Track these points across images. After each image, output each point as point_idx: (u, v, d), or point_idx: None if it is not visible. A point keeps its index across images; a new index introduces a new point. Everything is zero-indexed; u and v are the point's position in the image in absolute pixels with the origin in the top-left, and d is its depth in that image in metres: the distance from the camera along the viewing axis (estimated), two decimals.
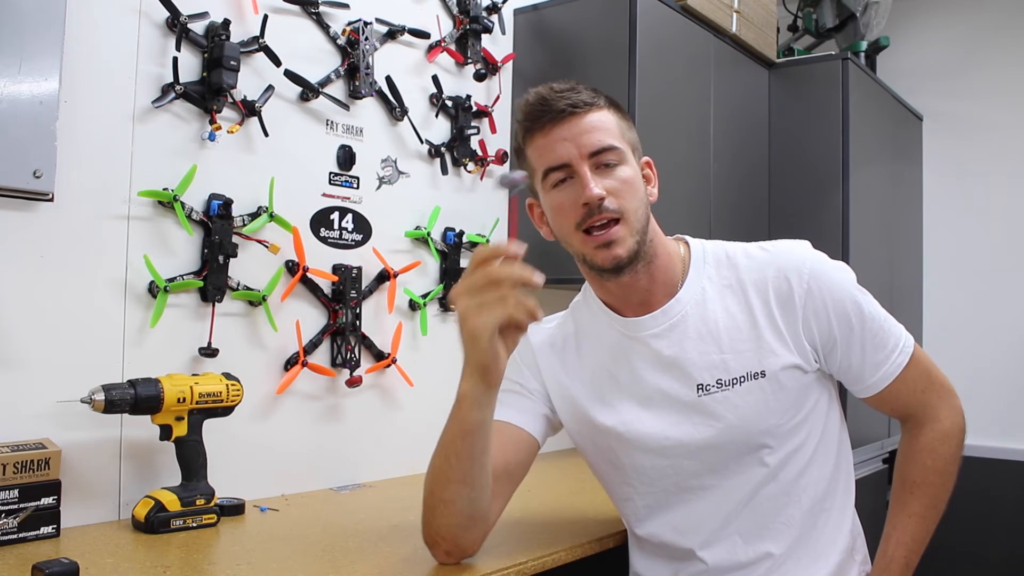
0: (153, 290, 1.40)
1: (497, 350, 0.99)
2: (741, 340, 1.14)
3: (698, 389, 1.15)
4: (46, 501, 1.19)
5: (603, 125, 1.11)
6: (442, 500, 1.08)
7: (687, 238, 1.25)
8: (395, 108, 1.84)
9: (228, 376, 1.39)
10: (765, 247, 1.20)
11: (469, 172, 2.04)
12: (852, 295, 1.16)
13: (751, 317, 1.15)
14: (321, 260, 1.68)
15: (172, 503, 1.28)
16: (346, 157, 1.75)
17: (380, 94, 1.81)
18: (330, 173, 1.72)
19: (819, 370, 1.18)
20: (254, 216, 1.55)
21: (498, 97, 2.11)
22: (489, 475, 1.09)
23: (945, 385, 1.22)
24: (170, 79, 1.42)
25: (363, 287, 1.75)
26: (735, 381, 1.14)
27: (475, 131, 2.02)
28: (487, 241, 2.06)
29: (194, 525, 1.30)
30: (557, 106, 1.10)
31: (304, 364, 1.62)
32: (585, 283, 1.27)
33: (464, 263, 2.00)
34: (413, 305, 1.88)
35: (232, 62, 1.46)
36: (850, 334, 1.15)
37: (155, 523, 1.26)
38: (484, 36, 2.05)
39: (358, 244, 1.77)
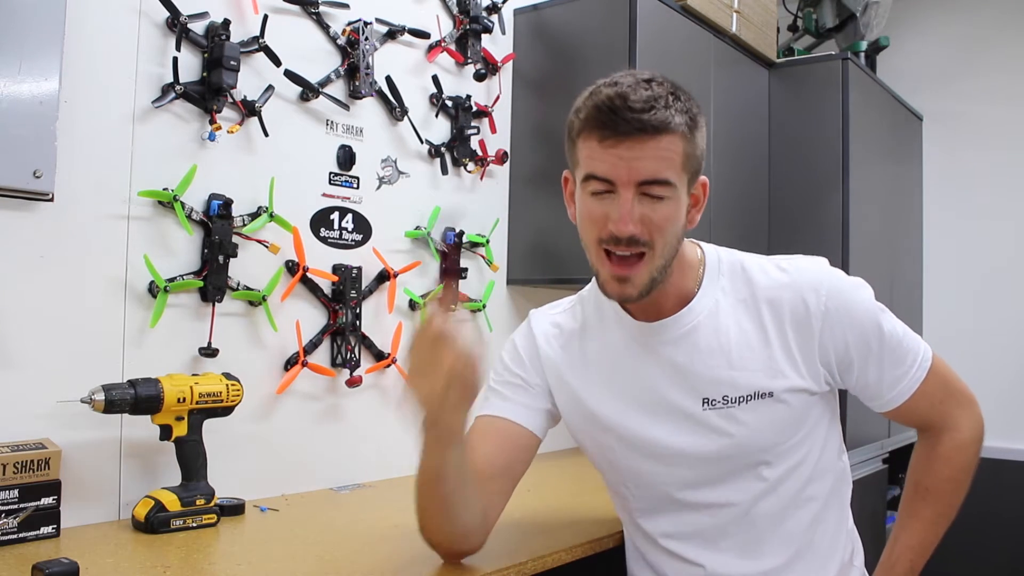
0: (153, 290, 1.40)
1: (462, 419, 1.04)
2: (751, 358, 1.12)
3: (703, 403, 1.13)
4: (46, 501, 1.19)
5: (666, 155, 1.02)
6: (430, 522, 1.10)
7: (702, 244, 1.21)
8: (395, 108, 1.84)
9: (228, 376, 1.39)
10: (783, 266, 1.17)
11: (469, 172, 2.04)
12: (872, 315, 1.13)
13: (764, 336, 1.13)
14: (321, 260, 1.68)
15: (172, 503, 1.28)
16: (346, 157, 1.75)
17: (380, 94, 1.81)
18: (330, 173, 1.72)
19: (828, 390, 1.17)
20: (254, 216, 1.55)
21: (498, 97, 2.11)
22: (473, 497, 1.10)
23: (965, 394, 1.20)
24: (170, 79, 1.42)
25: (363, 287, 1.75)
26: (741, 399, 1.12)
27: (475, 131, 2.02)
28: (487, 241, 2.06)
29: (194, 525, 1.30)
30: (624, 127, 1.00)
31: (304, 364, 1.62)
32: None
33: (464, 263, 2.00)
34: (413, 305, 1.88)
35: (232, 62, 1.46)
36: (868, 354, 1.13)
37: (155, 523, 1.26)
38: (484, 36, 2.05)
39: (358, 244, 1.77)
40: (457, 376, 0.98)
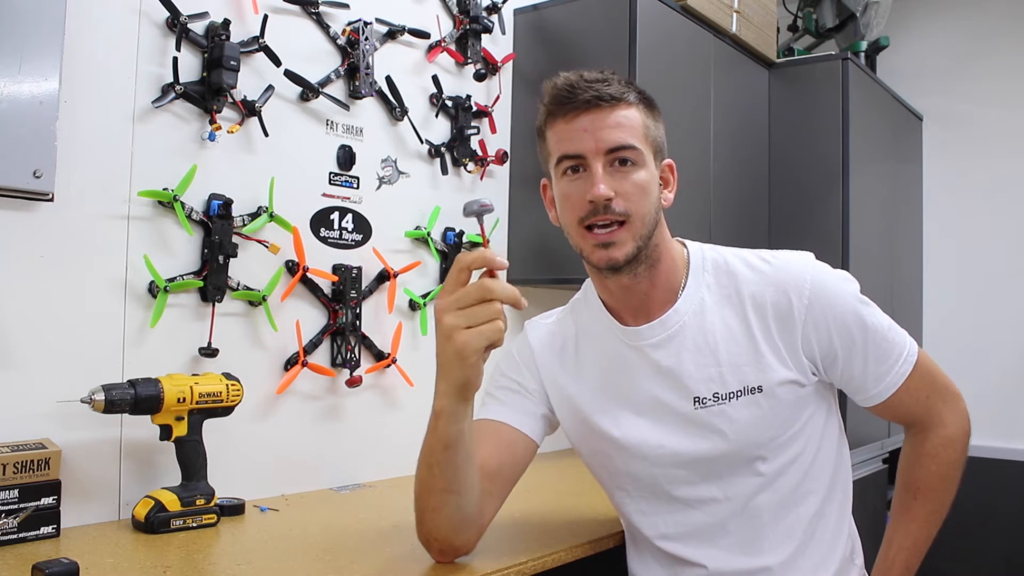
0: (153, 290, 1.40)
1: (481, 368, 0.98)
2: (739, 354, 1.13)
3: (695, 402, 1.14)
4: (46, 501, 1.19)
5: (627, 122, 1.08)
6: (430, 508, 1.08)
7: (686, 242, 1.22)
8: (395, 108, 1.84)
9: (228, 376, 1.39)
10: (767, 259, 1.17)
11: (469, 172, 2.04)
12: (854, 308, 1.13)
13: (748, 330, 1.13)
14: (321, 260, 1.68)
15: (172, 503, 1.28)
16: (346, 157, 1.75)
17: (380, 94, 1.81)
18: (330, 173, 1.72)
19: (818, 382, 1.16)
20: (254, 216, 1.55)
21: (498, 97, 2.11)
22: (476, 480, 1.09)
23: (950, 390, 1.20)
24: (170, 79, 1.42)
25: (363, 287, 1.75)
26: (732, 395, 1.12)
27: (475, 131, 2.02)
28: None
29: (194, 525, 1.30)
30: (583, 96, 1.07)
31: (304, 364, 1.62)
32: (587, 281, 1.26)
33: None
34: (413, 305, 1.88)
35: (232, 62, 1.46)
36: (852, 347, 1.13)
37: (155, 523, 1.26)
38: (484, 36, 2.05)
39: (358, 244, 1.77)
40: (502, 333, 0.94)
